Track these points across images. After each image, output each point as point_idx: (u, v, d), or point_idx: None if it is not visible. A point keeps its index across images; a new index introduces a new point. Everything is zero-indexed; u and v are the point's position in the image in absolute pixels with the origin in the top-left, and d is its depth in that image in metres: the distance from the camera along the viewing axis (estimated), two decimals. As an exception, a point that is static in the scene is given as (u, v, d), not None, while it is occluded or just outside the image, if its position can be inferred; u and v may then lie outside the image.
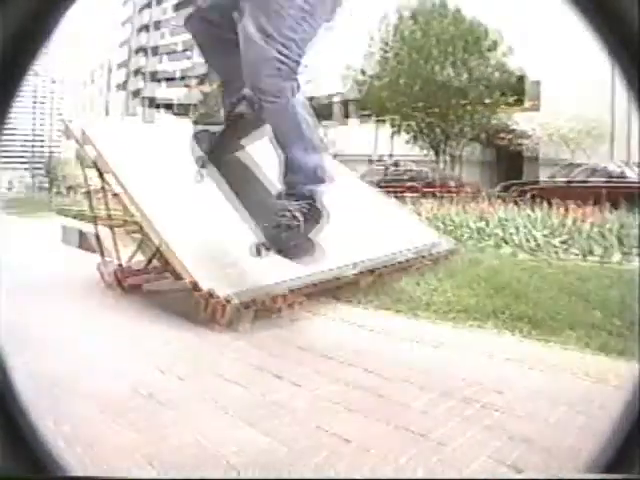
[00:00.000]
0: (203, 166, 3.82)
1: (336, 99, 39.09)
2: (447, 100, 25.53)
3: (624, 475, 0.87)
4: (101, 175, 4.74)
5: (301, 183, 3.38)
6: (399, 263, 4.76)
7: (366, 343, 3.28)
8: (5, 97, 0.88)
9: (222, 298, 3.32)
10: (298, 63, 3.34)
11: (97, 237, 5.20)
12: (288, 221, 3.27)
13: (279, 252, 3.41)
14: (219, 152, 3.82)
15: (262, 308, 3.58)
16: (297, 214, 3.27)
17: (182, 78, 66.25)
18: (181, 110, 54.55)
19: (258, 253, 3.41)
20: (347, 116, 38.61)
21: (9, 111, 0.89)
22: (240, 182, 3.76)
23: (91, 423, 2.17)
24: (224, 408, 2.30)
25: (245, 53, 3.30)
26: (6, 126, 0.89)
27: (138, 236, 5.09)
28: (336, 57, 33.07)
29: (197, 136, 3.87)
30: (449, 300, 4.12)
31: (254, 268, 3.67)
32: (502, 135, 25.57)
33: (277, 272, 3.70)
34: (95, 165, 4.67)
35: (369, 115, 32.44)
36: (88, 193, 5.31)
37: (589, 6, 0.91)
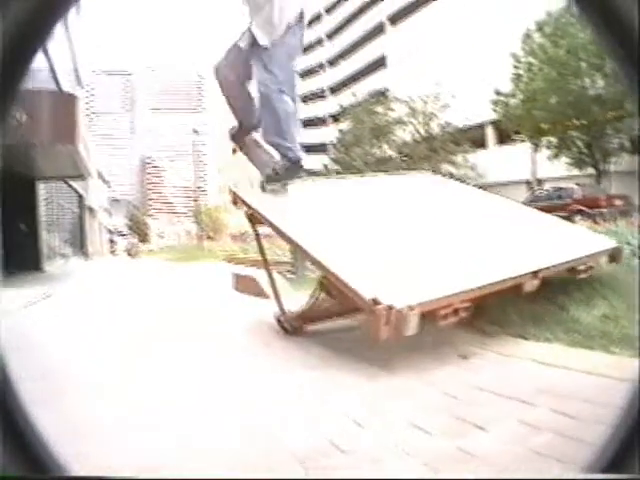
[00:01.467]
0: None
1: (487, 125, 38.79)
2: (603, 113, 24.36)
3: (624, 475, 0.83)
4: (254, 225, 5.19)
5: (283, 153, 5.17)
6: (564, 263, 4.56)
7: (548, 381, 2.93)
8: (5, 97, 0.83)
9: (405, 307, 3.21)
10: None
11: (271, 281, 5.31)
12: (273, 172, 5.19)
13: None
14: None
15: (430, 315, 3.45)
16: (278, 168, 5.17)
17: (317, 119, 68.69)
18: (319, 149, 56.13)
19: (263, 189, 5.20)
20: (502, 141, 38.11)
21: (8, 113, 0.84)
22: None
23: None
24: (417, 457, 2.08)
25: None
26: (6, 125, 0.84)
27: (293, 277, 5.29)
28: (484, 83, 32.97)
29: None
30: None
31: (422, 281, 3.69)
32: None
33: (448, 282, 3.69)
34: (250, 218, 5.09)
35: (514, 138, 31.81)
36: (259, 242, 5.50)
37: (589, 6, 0.88)
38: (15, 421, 0.85)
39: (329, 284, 4.06)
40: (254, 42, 5.19)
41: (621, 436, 0.85)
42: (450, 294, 3.56)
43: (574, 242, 5.04)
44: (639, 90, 0.84)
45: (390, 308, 3.19)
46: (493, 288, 3.90)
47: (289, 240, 4.65)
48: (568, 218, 16.19)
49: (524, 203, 22.14)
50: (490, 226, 5.12)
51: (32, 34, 0.83)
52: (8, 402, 0.85)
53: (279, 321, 4.72)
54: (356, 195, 5.55)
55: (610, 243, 5.22)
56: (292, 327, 4.61)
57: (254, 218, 5.05)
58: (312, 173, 43.86)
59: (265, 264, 5.59)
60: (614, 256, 5.05)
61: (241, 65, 5.40)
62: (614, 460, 0.84)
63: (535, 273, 4.14)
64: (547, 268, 4.28)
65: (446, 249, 4.48)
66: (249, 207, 5.06)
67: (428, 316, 3.41)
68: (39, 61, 20.25)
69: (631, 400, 0.91)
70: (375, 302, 3.24)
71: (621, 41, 0.83)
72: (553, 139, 28.39)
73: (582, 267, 4.71)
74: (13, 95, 0.84)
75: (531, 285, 4.09)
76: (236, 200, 5.25)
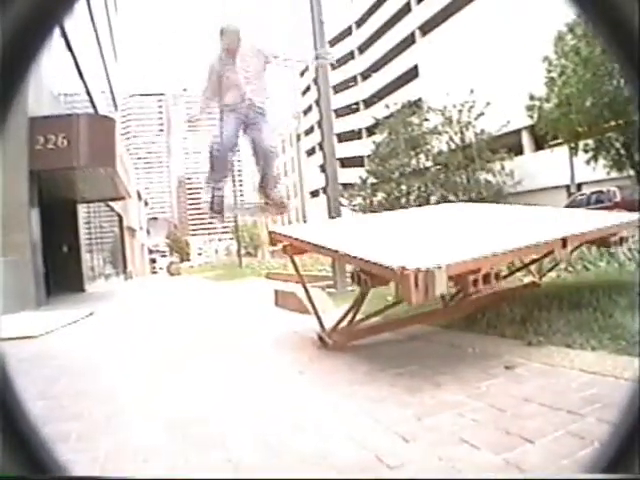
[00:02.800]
0: None
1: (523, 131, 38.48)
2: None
3: (624, 475, 0.82)
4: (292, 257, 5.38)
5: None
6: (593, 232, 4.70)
7: (595, 390, 2.85)
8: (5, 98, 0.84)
9: (432, 267, 3.32)
10: None
11: (309, 297, 5.36)
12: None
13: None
14: None
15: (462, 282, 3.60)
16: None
17: (352, 132, 68.91)
18: (355, 162, 56.22)
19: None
20: (539, 146, 37.77)
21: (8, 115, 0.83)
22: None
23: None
24: (464, 472, 2.03)
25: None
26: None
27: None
28: (518, 88, 32.69)
29: None
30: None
31: (449, 251, 3.85)
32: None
33: (474, 249, 3.82)
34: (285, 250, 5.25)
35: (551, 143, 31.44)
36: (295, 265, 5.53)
37: (588, 5, 0.86)
38: (15, 421, 0.85)
39: (363, 274, 4.10)
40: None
41: (621, 436, 0.84)
42: (478, 257, 3.64)
43: (603, 217, 5.11)
44: (639, 91, 0.83)
45: (419, 270, 3.30)
46: (521, 253, 4.18)
47: (327, 251, 4.74)
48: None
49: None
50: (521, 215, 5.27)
51: (33, 32, 0.83)
52: (8, 402, 0.85)
53: (320, 337, 4.72)
54: (388, 218, 5.71)
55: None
56: (334, 342, 4.59)
57: (290, 249, 5.15)
58: (349, 186, 43.96)
59: (301, 281, 5.62)
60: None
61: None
62: (614, 460, 0.83)
63: (564, 241, 4.17)
64: (575, 236, 4.35)
65: (472, 231, 4.90)
66: (289, 238, 5.16)
67: (459, 282, 3.61)
68: (75, 86, 20.68)
69: (631, 400, 0.89)
70: (404, 269, 3.34)
71: (621, 41, 0.83)
72: (590, 142, 27.98)
73: (614, 238, 4.77)
74: (13, 95, 0.84)
75: (561, 254, 4.20)
76: (275, 239, 5.34)
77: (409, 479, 1.74)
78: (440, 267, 3.34)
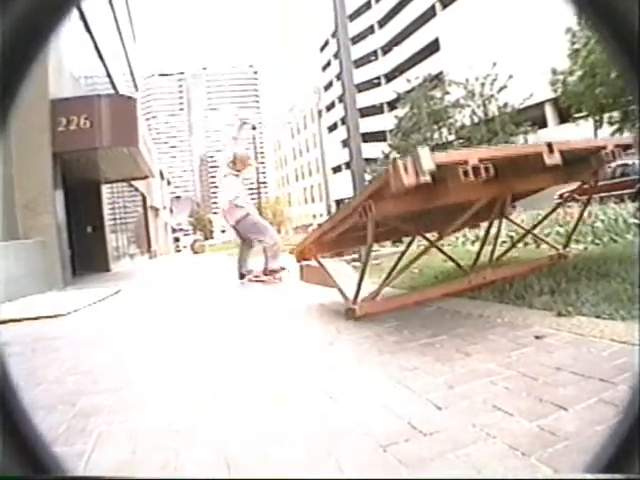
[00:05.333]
0: None
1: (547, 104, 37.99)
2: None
3: (624, 475, 0.81)
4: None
5: None
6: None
7: (626, 359, 2.83)
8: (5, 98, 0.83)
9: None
10: None
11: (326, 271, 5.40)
12: None
13: None
14: None
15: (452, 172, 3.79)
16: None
17: (374, 107, 68.53)
18: (377, 137, 55.91)
19: None
20: (563, 119, 37.29)
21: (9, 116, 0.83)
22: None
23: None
24: (499, 439, 2.02)
25: None
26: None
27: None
28: (541, 60, 32.23)
29: None
30: None
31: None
32: None
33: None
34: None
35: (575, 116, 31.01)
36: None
37: (588, 5, 0.85)
38: (15, 421, 0.85)
39: (366, 202, 4.21)
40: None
41: (621, 436, 0.84)
42: (463, 152, 4.01)
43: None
44: (639, 90, 0.82)
45: (406, 159, 3.69)
46: (509, 152, 4.39)
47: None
48: (636, 195, 15.67)
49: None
50: None
51: (33, 32, 0.82)
52: (8, 402, 0.85)
53: (348, 308, 4.73)
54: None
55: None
56: (360, 311, 4.60)
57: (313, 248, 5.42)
58: (371, 161, 43.80)
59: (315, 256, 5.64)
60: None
61: None
62: (614, 460, 0.83)
63: (549, 146, 4.24)
64: (561, 144, 4.38)
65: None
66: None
67: (449, 171, 3.76)
68: (96, 68, 20.72)
69: (631, 400, 0.88)
70: (394, 162, 3.73)
71: (621, 41, 0.82)
72: (615, 114, 27.58)
73: (606, 151, 4.81)
74: (14, 95, 0.84)
75: (550, 158, 4.18)
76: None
77: (418, 479, 1.72)
78: (424, 147, 3.77)
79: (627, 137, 5.40)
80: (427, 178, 3.58)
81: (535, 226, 6.63)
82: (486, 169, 3.69)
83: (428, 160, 3.57)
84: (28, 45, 0.81)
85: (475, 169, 3.67)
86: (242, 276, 9.54)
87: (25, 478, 0.85)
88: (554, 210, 6.60)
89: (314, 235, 5.33)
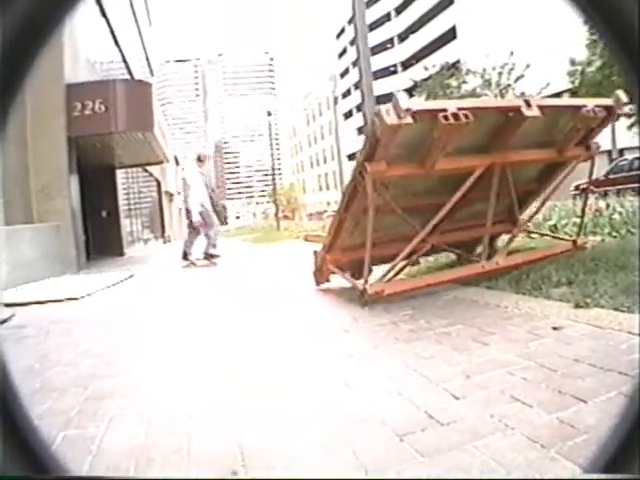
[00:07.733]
0: None
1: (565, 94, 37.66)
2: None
3: (624, 475, 0.82)
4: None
5: None
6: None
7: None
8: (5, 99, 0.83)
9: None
10: None
11: None
12: None
13: None
14: None
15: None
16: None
17: (389, 94, 68.41)
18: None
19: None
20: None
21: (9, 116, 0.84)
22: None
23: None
24: (517, 429, 1.99)
25: None
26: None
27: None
28: (559, 50, 31.93)
29: None
30: None
31: None
32: None
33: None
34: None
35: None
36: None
37: (587, 5, 0.87)
38: (15, 421, 0.85)
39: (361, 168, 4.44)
40: None
41: (621, 436, 0.84)
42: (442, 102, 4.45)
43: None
44: (639, 90, 0.82)
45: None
46: (488, 104, 4.53)
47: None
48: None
49: (606, 173, 21.44)
50: None
51: (33, 32, 0.82)
52: (8, 402, 0.85)
53: (362, 292, 4.71)
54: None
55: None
56: (375, 294, 4.61)
57: None
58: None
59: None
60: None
61: None
62: (614, 460, 0.83)
63: (527, 101, 4.63)
64: (538, 101, 4.76)
65: None
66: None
67: (430, 118, 4.07)
68: (111, 53, 20.72)
69: (631, 400, 0.89)
70: (378, 114, 4.08)
71: (621, 41, 0.82)
72: (633, 106, 27.33)
73: (587, 108, 4.94)
74: (14, 95, 0.83)
75: (529, 111, 4.51)
76: None
77: (402, 479, 1.69)
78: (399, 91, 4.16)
79: (608, 100, 5.39)
80: (408, 120, 3.94)
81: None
82: (465, 115, 4.03)
83: (405, 101, 3.96)
84: (28, 45, 0.81)
85: (455, 115, 4.01)
86: (185, 255, 11.71)
87: (25, 478, 0.85)
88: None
89: (333, 228, 5.32)
